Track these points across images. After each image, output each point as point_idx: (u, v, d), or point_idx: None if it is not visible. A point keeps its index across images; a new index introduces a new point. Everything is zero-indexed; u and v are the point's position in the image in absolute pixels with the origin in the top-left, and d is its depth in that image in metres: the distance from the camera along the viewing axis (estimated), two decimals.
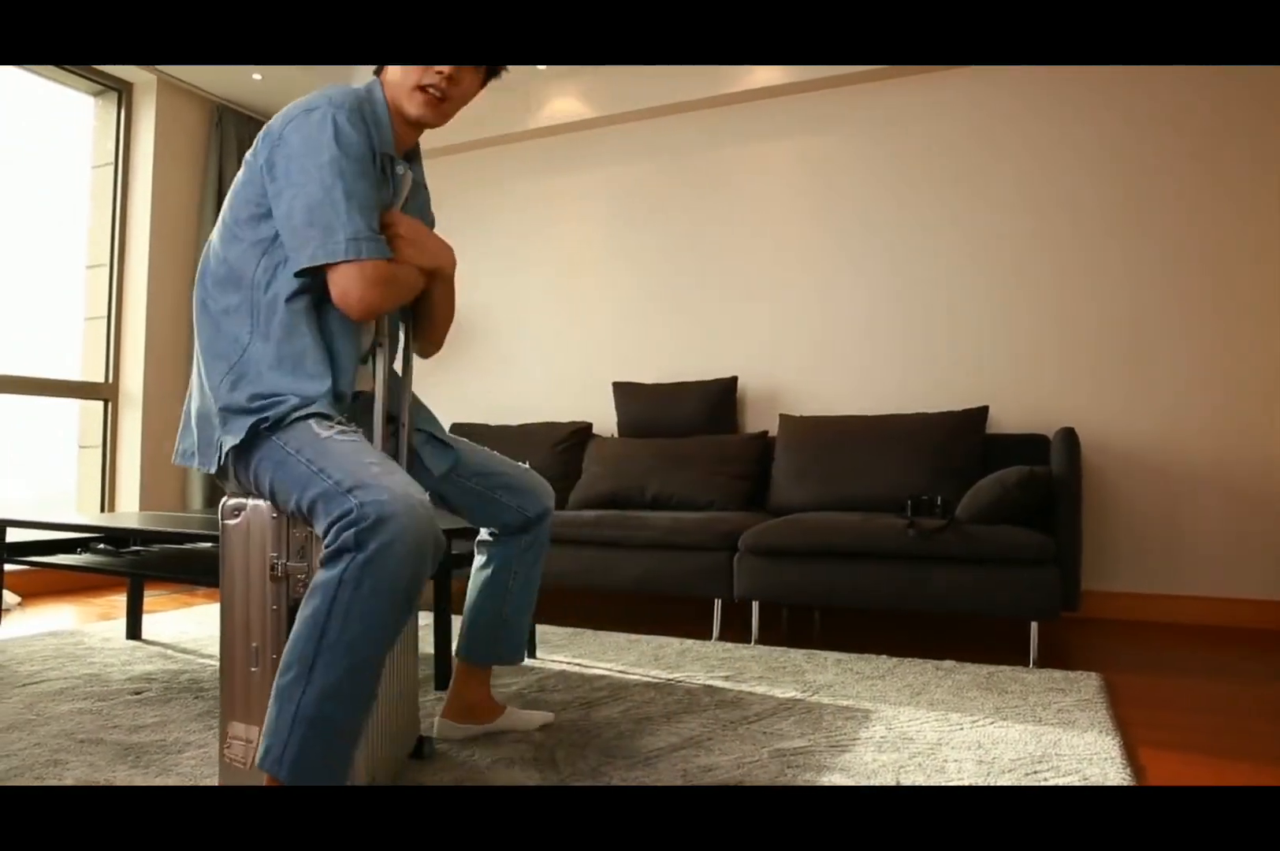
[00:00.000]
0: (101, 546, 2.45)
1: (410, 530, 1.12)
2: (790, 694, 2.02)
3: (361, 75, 4.13)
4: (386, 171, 1.42)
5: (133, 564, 2.22)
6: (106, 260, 3.98)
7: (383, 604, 1.12)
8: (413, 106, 1.40)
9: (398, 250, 1.36)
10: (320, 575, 1.14)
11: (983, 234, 3.41)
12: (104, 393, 3.91)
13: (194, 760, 1.55)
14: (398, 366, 1.57)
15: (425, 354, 1.62)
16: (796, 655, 2.43)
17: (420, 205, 1.57)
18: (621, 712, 1.86)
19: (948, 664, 2.32)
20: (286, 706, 1.12)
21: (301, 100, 1.34)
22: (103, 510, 3.90)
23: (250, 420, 1.27)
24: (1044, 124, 3.36)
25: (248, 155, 1.35)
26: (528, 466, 1.70)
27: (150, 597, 3.40)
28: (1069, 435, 2.57)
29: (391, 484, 1.16)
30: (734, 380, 3.56)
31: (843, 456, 3.08)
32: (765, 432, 3.43)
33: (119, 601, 3.35)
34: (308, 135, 1.28)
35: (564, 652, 2.45)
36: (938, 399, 3.40)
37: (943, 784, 1.45)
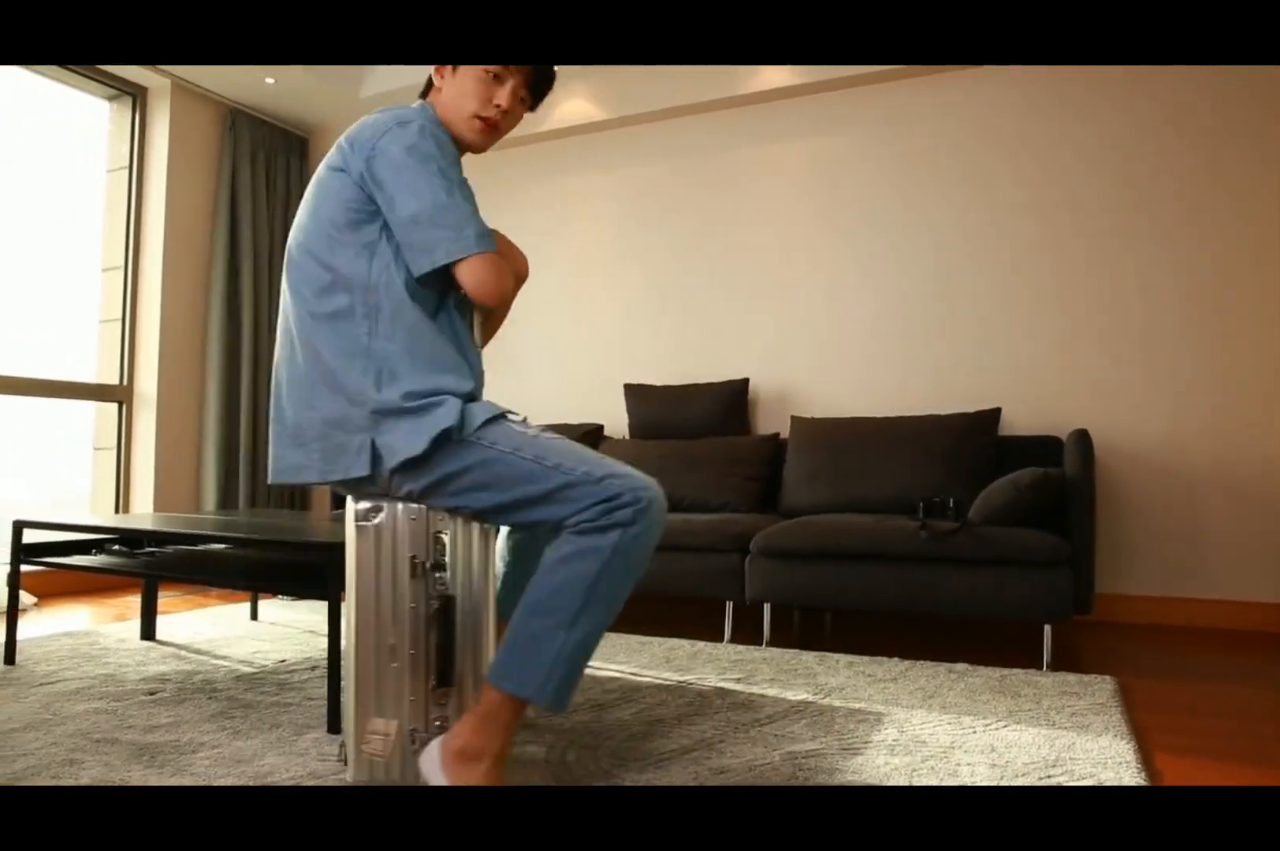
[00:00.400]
0: (116, 548, 2.47)
1: (663, 511, 1.35)
2: (802, 696, 2.02)
3: (370, 76, 4.15)
4: None
5: (147, 565, 2.23)
6: (121, 263, 4.01)
7: (639, 568, 1.34)
8: (470, 133, 1.48)
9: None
10: (584, 541, 1.30)
11: (988, 234, 3.40)
12: (118, 395, 3.94)
13: (207, 760, 1.56)
14: None
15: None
16: (808, 657, 2.43)
17: None
18: (633, 714, 1.86)
19: (960, 667, 2.31)
20: (547, 646, 1.28)
21: (384, 115, 1.39)
22: (117, 511, 3.92)
23: (427, 429, 1.32)
24: (1047, 124, 3.34)
25: (332, 162, 1.40)
26: None
27: (164, 598, 3.42)
28: (1083, 437, 2.55)
29: (635, 472, 1.34)
30: (745, 382, 3.55)
31: (854, 458, 3.07)
32: (776, 434, 3.43)
33: (134, 602, 3.37)
34: (412, 145, 1.35)
35: None
36: (949, 400, 3.39)
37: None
